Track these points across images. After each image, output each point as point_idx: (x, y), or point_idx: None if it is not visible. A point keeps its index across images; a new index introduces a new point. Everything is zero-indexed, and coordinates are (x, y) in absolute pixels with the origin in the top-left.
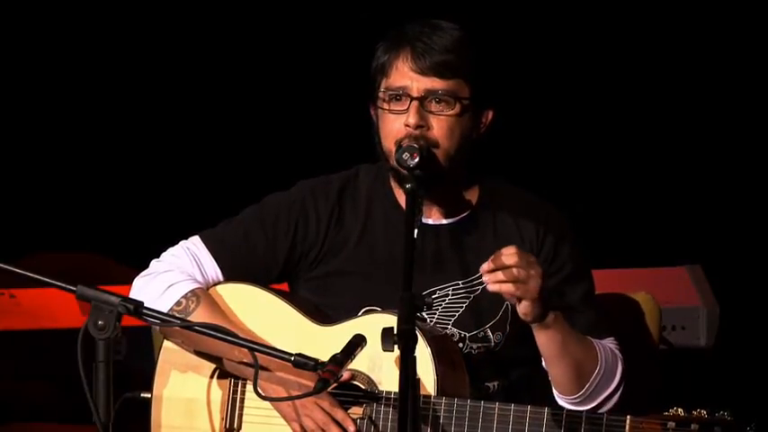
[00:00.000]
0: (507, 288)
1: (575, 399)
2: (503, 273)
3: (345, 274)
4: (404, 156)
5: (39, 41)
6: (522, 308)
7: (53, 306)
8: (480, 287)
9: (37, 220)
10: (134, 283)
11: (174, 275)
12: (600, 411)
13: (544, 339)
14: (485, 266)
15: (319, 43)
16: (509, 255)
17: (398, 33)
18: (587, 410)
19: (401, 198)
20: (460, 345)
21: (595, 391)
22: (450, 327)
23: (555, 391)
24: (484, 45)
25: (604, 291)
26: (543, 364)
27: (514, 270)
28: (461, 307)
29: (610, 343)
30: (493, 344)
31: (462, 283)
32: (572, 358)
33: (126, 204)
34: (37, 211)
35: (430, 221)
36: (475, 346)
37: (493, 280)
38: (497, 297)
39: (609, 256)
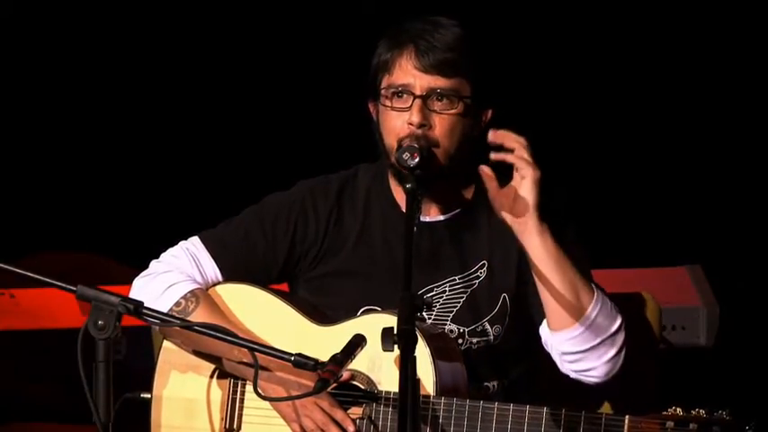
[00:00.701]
0: (513, 159)
1: (574, 333)
2: (511, 142)
3: (344, 273)
4: (404, 155)
5: (39, 41)
6: (524, 191)
7: (53, 306)
8: (477, 281)
9: (37, 220)
10: (134, 283)
11: (173, 276)
12: (604, 359)
13: (538, 240)
14: (491, 135)
15: (318, 43)
16: (516, 136)
17: (400, 31)
18: (584, 349)
19: (399, 197)
20: (460, 340)
21: (595, 326)
22: (448, 322)
23: (551, 332)
24: (484, 43)
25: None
26: (545, 329)
27: (522, 143)
28: (459, 302)
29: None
30: (492, 337)
31: (459, 278)
32: (568, 276)
33: (126, 204)
34: (37, 211)
35: (426, 219)
36: (474, 340)
37: (499, 141)
38: (494, 290)
39: (609, 256)
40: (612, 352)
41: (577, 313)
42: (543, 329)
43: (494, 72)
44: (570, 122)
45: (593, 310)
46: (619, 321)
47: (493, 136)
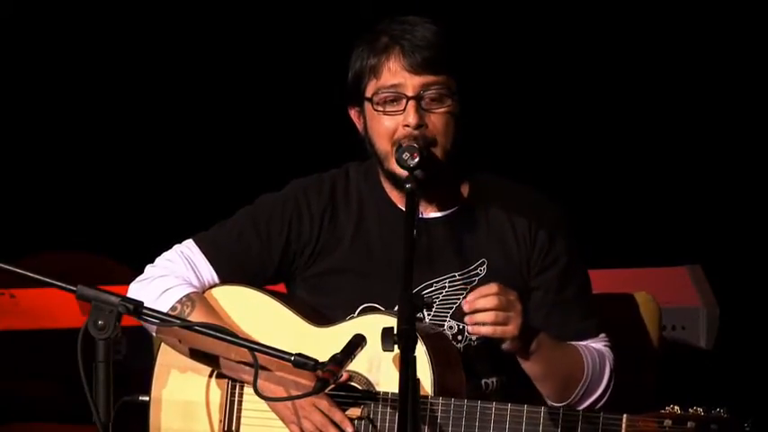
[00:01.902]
0: (486, 331)
1: (563, 405)
2: (483, 315)
3: (341, 271)
4: (404, 156)
5: (39, 41)
6: (506, 346)
7: (53, 306)
8: (476, 278)
9: (37, 220)
10: (129, 287)
11: (168, 280)
12: (595, 405)
13: (528, 365)
14: (465, 307)
15: (310, 43)
16: (489, 297)
17: (378, 33)
18: (582, 407)
19: (393, 195)
20: (459, 336)
21: (583, 397)
22: (448, 318)
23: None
24: (459, 37)
25: (604, 291)
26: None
27: (493, 314)
28: (459, 298)
29: (600, 341)
30: None
31: (459, 275)
32: (558, 375)
33: (126, 204)
34: (37, 211)
35: (422, 215)
36: (473, 337)
37: (472, 322)
38: None
39: (609, 256)
40: (604, 401)
41: (567, 395)
42: None
43: (472, 64)
44: (569, 122)
45: (582, 386)
46: (606, 378)
47: (467, 306)
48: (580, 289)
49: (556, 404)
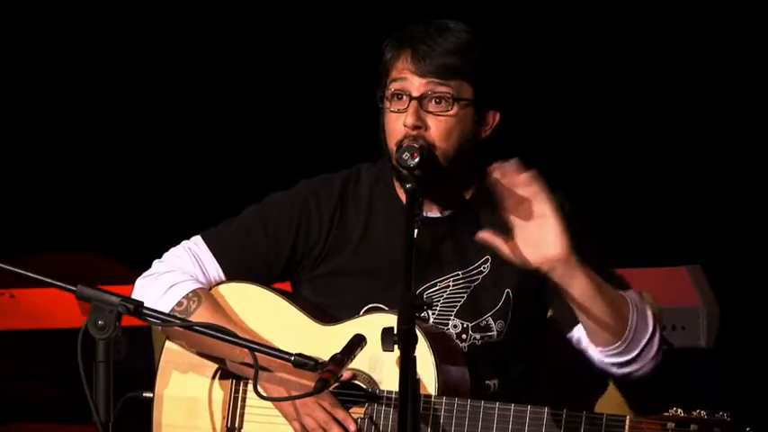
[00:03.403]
0: (532, 187)
1: (616, 348)
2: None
3: (347, 273)
4: (404, 156)
5: (39, 41)
6: (551, 227)
7: (53, 306)
8: (480, 276)
9: (37, 220)
10: (136, 283)
11: (175, 276)
12: (650, 357)
13: (582, 278)
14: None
15: (320, 43)
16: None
17: (403, 34)
18: (629, 358)
19: (401, 194)
20: (463, 335)
21: (635, 337)
22: (452, 317)
23: (597, 351)
24: (491, 46)
25: None
26: (579, 334)
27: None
28: (462, 297)
29: (632, 293)
30: (495, 333)
31: (462, 274)
32: (608, 296)
33: (126, 204)
34: (37, 211)
35: (426, 214)
36: (478, 336)
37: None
38: (498, 285)
39: (609, 256)
40: (655, 349)
41: (620, 330)
42: (580, 337)
43: (499, 75)
44: (571, 123)
45: (632, 321)
46: (652, 319)
47: (499, 173)
48: (598, 262)
49: (608, 349)
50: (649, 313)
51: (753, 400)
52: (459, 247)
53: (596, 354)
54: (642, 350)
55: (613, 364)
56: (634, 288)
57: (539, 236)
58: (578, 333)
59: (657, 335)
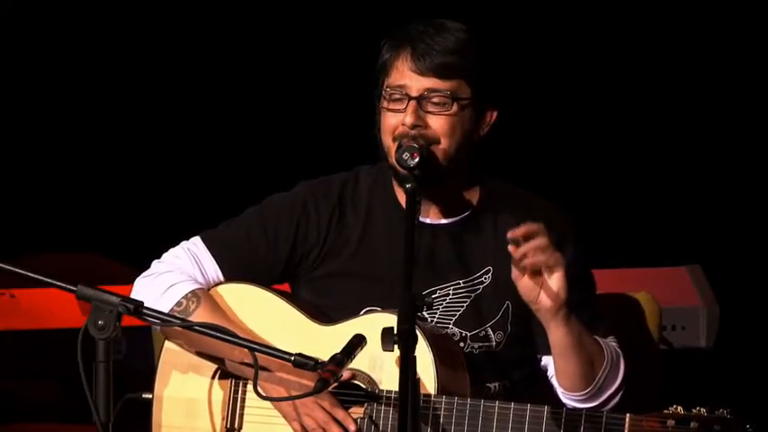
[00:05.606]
0: (545, 248)
1: (582, 395)
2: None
3: (346, 274)
4: (404, 155)
5: (39, 41)
6: (556, 281)
7: (53, 306)
8: (481, 286)
9: (37, 220)
10: (135, 283)
11: (174, 276)
12: (607, 405)
13: (564, 330)
14: (518, 231)
15: (320, 43)
16: (539, 231)
17: (401, 33)
18: (590, 408)
19: (400, 196)
20: (461, 344)
21: (603, 387)
22: (451, 326)
23: (560, 390)
24: (489, 45)
25: (604, 291)
26: (549, 363)
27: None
28: (462, 306)
29: (611, 341)
30: (494, 343)
31: (463, 283)
32: (586, 351)
33: (126, 204)
34: (37, 211)
35: (429, 221)
36: (476, 345)
37: (525, 250)
38: (498, 296)
39: (609, 256)
40: (614, 402)
41: (588, 381)
42: (548, 365)
43: (496, 74)
44: (572, 123)
45: (602, 376)
46: (622, 371)
47: (512, 234)
48: (587, 294)
49: (574, 394)
50: (622, 367)
51: (753, 399)
52: (462, 255)
53: (558, 390)
54: (604, 401)
55: (573, 405)
56: (634, 288)
57: (541, 281)
58: (548, 362)
59: (623, 389)
